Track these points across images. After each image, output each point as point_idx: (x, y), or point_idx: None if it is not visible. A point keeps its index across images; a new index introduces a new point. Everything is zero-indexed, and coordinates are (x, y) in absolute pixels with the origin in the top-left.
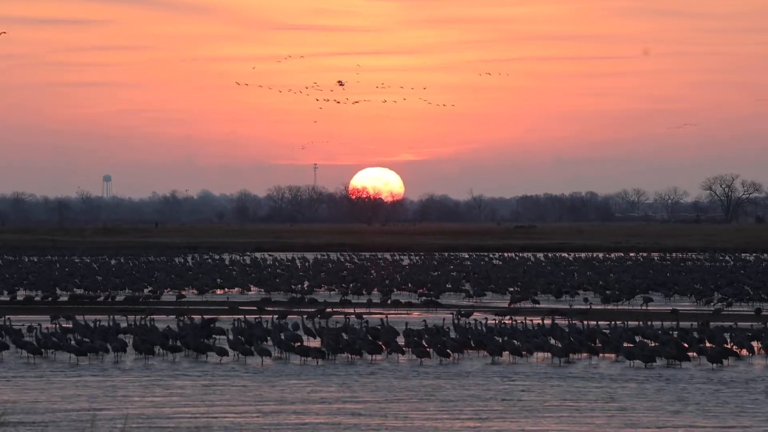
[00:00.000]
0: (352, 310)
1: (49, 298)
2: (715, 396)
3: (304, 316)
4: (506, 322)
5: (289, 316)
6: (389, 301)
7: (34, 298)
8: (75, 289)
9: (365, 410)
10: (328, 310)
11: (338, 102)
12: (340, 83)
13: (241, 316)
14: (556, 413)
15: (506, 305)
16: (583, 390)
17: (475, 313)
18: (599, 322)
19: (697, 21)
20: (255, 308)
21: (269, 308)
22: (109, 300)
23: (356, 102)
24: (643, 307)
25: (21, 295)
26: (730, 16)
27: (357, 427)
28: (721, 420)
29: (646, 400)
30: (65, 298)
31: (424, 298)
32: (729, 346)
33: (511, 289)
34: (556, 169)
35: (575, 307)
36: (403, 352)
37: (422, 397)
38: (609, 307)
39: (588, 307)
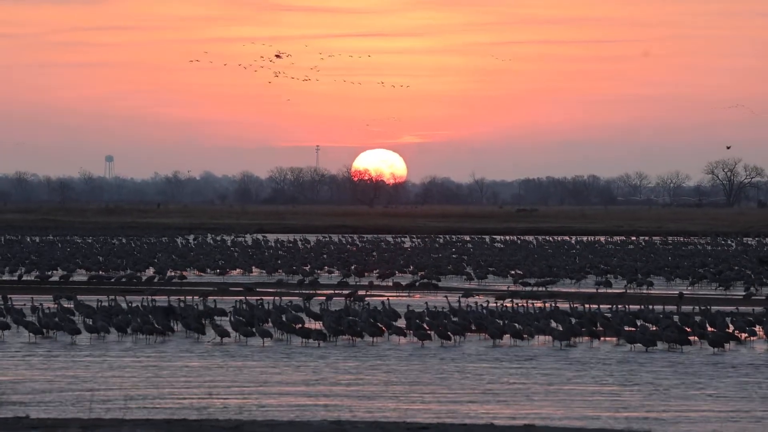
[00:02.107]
0: (385, 294)
1: (66, 278)
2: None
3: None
4: (507, 305)
5: (314, 298)
6: (392, 283)
7: (50, 278)
8: (78, 270)
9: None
10: (361, 292)
11: (292, 77)
12: (278, 56)
13: (242, 298)
14: (496, 396)
15: (506, 288)
16: (529, 373)
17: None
18: (601, 306)
19: (698, 4)
20: (271, 289)
21: (282, 290)
22: (133, 280)
23: (306, 79)
24: (646, 291)
25: (32, 275)
26: None
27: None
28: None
29: (591, 383)
30: (84, 278)
31: (424, 280)
32: (730, 331)
33: (513, 272)
34: (558, 152)
35: (601, 290)
36: (404, 335)
37: (369, 377)
38: (646, 291)
39: (624, 290)
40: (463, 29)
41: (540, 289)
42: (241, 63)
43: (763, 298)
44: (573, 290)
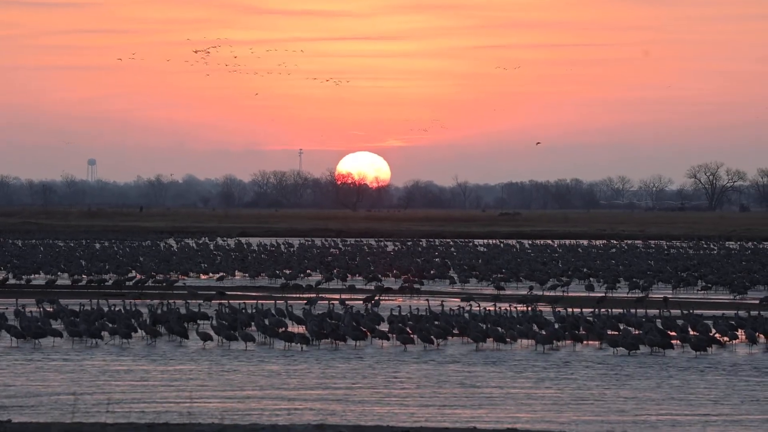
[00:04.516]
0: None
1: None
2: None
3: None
4: (489, 308)
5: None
6: (374, 286)
7: (56, 281)
8: (59, 273)
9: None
10: (377, 297)
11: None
12: (196, 51)
13: (223, 301)
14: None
15: (492, 292)
16: (443, 376)
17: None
18: (583, 309)
19: (685, 8)
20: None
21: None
22: (139, 285)
23: (256, 73)
24: (630, 294)
25: (40, 278)
26: (717, 3)
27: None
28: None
29: (508, 386)
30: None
31: (405, 284)
32: (713, 334)
33: (495, 275)
34: (541, 156)
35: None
36: (387, 338)
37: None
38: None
39: (644, 295)
40: (447, 33)
41: (550, 293)
42: (187, 60)
43: None
44: (594, 294)
